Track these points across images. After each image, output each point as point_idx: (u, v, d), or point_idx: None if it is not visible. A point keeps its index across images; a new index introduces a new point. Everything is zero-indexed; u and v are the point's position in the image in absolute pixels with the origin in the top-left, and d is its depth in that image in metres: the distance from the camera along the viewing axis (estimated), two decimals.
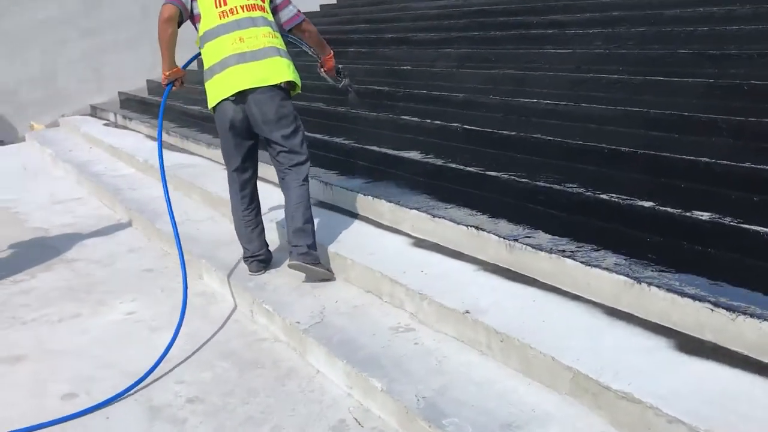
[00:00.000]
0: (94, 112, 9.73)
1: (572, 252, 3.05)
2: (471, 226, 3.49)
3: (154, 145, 7.11)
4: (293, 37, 4.02)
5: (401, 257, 3.54)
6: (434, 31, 7.72)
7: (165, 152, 6.74)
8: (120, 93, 9.80)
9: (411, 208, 3.87)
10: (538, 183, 3.75)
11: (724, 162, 3.30)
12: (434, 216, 3.71)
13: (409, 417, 2.46)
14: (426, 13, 8.85)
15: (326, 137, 5.63)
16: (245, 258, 3.76)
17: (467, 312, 2.86)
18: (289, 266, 3.54)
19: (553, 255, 3.05)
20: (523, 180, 3.83)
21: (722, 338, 2.46)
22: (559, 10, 6.92)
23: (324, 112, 6.33)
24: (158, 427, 2.67)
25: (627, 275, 2.77)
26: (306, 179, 3.60)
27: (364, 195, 4.22)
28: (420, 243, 3.73)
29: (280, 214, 3.95)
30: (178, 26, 3.55)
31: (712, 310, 2.47)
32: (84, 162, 7.03)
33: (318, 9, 11.73)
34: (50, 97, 10.97)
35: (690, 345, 2.50)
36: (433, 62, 6.78)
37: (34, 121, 10.72)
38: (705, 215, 3.01)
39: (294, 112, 3.58)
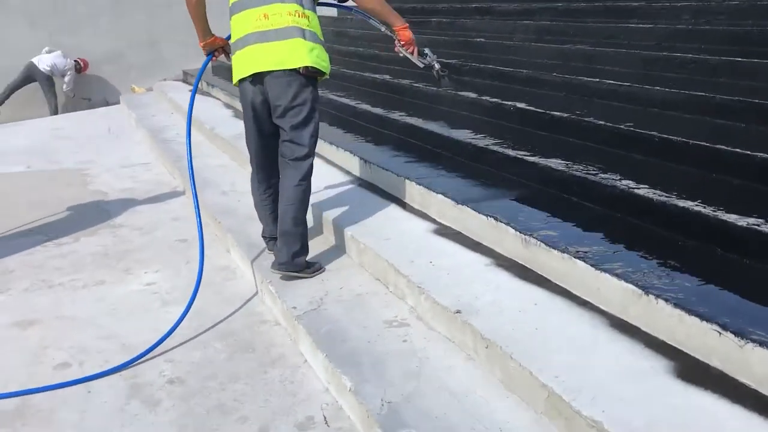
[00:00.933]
0: (185, 77, 9.95)
1: (585, 252, 2.75)
2: (490, 216, 3.24)
3: (228, 113, 7.22)
4: (359, 11, 3.72)
5: (416, 245, 3.35)
6: (519, 1, 7.32)
7: (235, 120, 6.82)
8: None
9: (438, 193, 3.64)
10: (575, 172, 3.45)
11: None
12: (458, 202, 3.48)
13: (369, 422, 2.30)
14: None
15: (383, 112, 5.44)
16: (263, 236, 3.67)
17: (458, 311, 2.65)
18: (270, 270, 3.39)
19: (566, 254, 2.77)
20: (561, 168, 3.53)
21: (730, 367, 2.14)
22: None
23: (388, 84, 6.15)
24: (132, 406, 2.63)
25: (636, 284, 2.46)
26: (305, 178, 3.33)
27: (398, 175, 4.03)
28: (443, 230, 3.51)
29: None
30: None
31: (719, 333, 2.14)
32: (160, 127, 7.19)
33: None
34: (153, 61, 11.34)
35: (693, 371, 2.19)
36: (511, 34, 6.45)
37: (136, 84, 11.12)
38: (745, 220, 2.64)
39: (312, 102, 3.27)
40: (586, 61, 5.12)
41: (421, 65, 3.87)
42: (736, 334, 2.10)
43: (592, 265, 2.65)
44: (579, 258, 2.71)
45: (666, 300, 2.34)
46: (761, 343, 2.03)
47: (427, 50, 3.86)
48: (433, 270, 3.04)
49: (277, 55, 3.19)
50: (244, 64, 3.29)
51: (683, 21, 5.14)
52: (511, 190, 3.63)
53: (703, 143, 3.26)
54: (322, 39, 3.32)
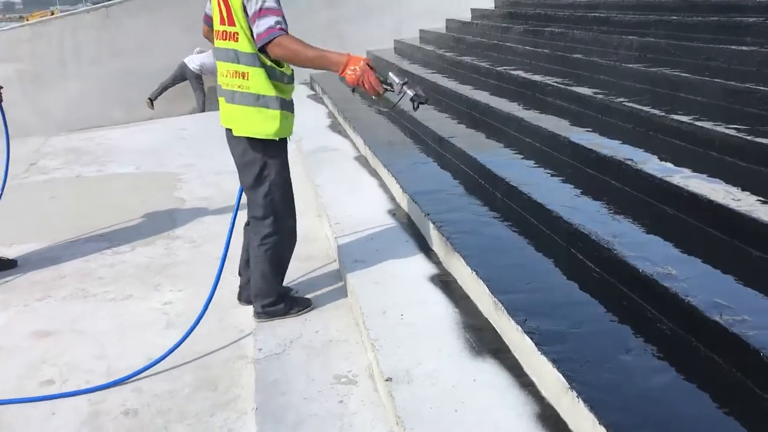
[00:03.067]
0: (310, 80, 10.16)
1: (538, 327, 2.49)
2: (474, 270, 3.02)
3: (326, 123, 7.30)
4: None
5: (402, 293, 3.19)
6: (640, 11, 6.80)
7: (328, 132, 6.88)
8: None
9: (444, 234, 3.46)
10: (581, 227, 3.10)
11: None
12: (455, 248, 3.28)
13: None
14: None
15: (448, 133, 5.19)
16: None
17: (389, 379, 2.50)
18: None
19: (519, 327, 2.52)
20: (568, 219, 3.20)
21: None
22: None
23: (469, 101, 5.91)
24: None
25: (567, 374, 2.20)
26: (267, 238, 3.20)
27: (422, 211, 3.87)
28: (442, 277, 3.33)
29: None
30: None
31: None
32: None
33: None
34: None
35: None
36: (615, 49, 5.99)
37: None
38: (728, 315, 2.26)
39: (262, 162, 3.08)
40: (670, 88, 4.65)
41: (392, 98, 3.01)
42: None
43: (536, 344, 2.39)
44: (528, 333, 2.46)
45: (585, 400, 2.06)
46: None
47: (392, 75, 2.95)
48: (398, 326, 2.89)
49: (224, 113, 3.14)
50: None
51: None
52: (521, 239, 3.37)
53: (730, 206, 2.83)
54: (271, 94, 2.97)
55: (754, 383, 2.05)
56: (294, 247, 3.37)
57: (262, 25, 2.83)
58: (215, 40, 3.09)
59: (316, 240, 4.34)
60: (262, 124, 3.01)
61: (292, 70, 3.06)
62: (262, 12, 2.83)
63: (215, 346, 3.36)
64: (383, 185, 4.85)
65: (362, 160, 5.60)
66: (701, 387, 2.11)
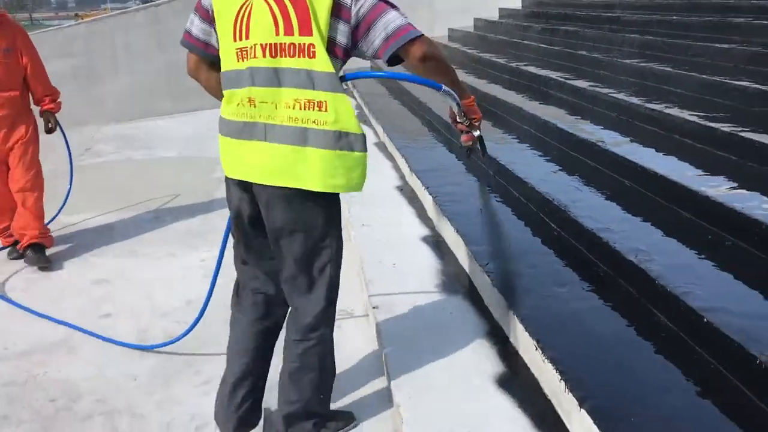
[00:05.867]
0: None
1: (495, 268, 3.07)
2: (455, 228, 3.60)
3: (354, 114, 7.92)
4: (430, 82, 2.19)
5: (397, 247, 3.80)
6: (649, 11, 7.30)
7: None
8: None
9: (438, 203, 4.05)
10: (548, 194, 3.66)
11: None
12: (444, 213, 3.86)
13: None
14: None
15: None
16: None
17: (375, 307, 3.10)
18: None
19: (482, 268, 3.10)
20: (539, 189, 3.76)
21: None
22: None
23: (479, 92, 6.46)
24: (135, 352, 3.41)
25: (508, 297, 2.77)
26: (313, 335, 2.36)
27: (422, 183, 4.46)
28: (433, 238, 3.93)
29: None
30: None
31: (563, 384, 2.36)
32: None
33: None
34: None
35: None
36: (619, 47, 6.51)
37: None
38: (642, 257, 2.81)
39: (324, 226, 2.23)
40: (656, 81, 5.15)
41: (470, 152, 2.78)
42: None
43: (491, 279, 2.97)
44: (487, 272, 3.04)
45: (518, 315, 2.63)
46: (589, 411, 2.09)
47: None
48: (389, 270, 3.49)
49: (271, 162, 2.20)
50: (225, 159, 2.36)
51: None
52: (501, 206, 3.94)
53: (671, 177, 3.35)
54: (357, 131, 2.19)
55: (652, 305, 2.59)
56: None
57: (390, 24, 2.06)
58: (245, 57, 2.15)
59: None
60: (347, 174, 2.16)
61: None
62: (381, 7, 2.08)
63: None
64: (396, 166, 5.46)
65: (381, 146, 6.22)
66: (613, 308, 2.66)
